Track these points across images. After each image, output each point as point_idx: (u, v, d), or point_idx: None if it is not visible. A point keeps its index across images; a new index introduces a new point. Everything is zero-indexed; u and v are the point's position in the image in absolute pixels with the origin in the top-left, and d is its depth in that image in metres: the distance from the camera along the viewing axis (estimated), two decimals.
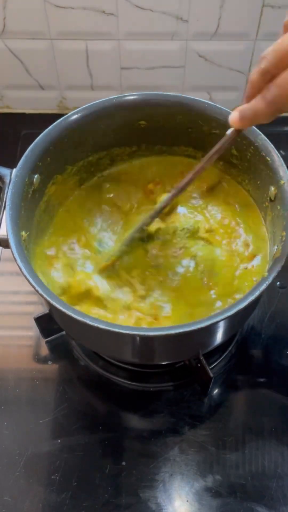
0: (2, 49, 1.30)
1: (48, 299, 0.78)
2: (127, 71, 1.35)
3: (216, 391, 1.03)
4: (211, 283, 0.96)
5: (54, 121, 0.97)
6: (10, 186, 0.88)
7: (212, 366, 1.05)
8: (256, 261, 0.98)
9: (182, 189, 0.88)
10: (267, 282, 0.79)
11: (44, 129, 0.95)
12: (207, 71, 1.34)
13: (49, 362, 1.07)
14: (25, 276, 0.80)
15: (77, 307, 0.89)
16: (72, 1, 1.20)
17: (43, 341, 1.09)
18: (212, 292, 0.95)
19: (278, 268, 0.80)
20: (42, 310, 1.05)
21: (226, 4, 1.20)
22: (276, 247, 0.87)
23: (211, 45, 1.28)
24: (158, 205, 0.95)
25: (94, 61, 1.33)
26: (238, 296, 0.93)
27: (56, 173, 1.01)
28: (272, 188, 0.92)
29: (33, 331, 1.08)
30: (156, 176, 1.09)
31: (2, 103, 1.45)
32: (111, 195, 1.07)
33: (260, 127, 0.95)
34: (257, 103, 0.69)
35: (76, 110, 0.98)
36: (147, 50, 1.30)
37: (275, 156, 0.91)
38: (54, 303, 0.78)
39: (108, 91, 1.39)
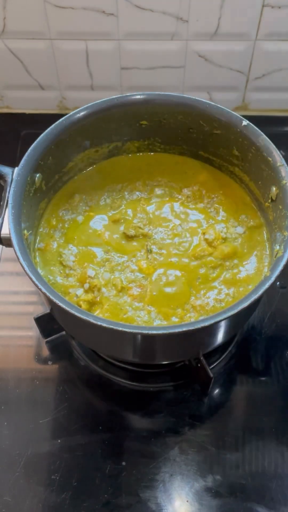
0: (2, 49, 1.30)
1: (51, 297, 0.78)
2: (127, 71, 1.35)
3: (216, 391, 1.04)
4: None
5: (54, 121, 0.97)
6: (12, 185, 0.88)
7: (212, 366, 1.05)
8: (252, 261, 0.99)
9: None
10: (270, 281, 0.79)
11: (44, 129, 0.96)
12: (207, 71, 1.34)
13: (49, 362, 1.07)
14: (28, 275, 0.80)
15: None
16: (72, 1, 1.20)
17: (43, 341, 1.09)
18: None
19: (280, 267, 0.80)
20: (42, 310, 1.04)
21: (226, 4, 1.20)
22: (278, 247, 0.87)
23: (211, 45, 1.28)
24: None
25: (94, 61, 1.33)
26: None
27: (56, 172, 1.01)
28: (274, 188, 0.93)
29: (33, 331, 1.08)
30: (158, 175, 1.09)
31: (2, 103, 1.44)
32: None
33: (261, 127, 0.96)
34: None
35: (78, 110, 0.98)
36: (147, 50, 1.30)
37: (277, 156, 0.92)
38: (56, 301, 0.78)
39: (108, 91, 1.39)
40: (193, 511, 0.91)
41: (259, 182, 0.99)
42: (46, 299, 0.89)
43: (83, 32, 1.26)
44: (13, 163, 0.94)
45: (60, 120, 0.97)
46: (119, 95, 1.00)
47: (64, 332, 1.08)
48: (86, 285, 0.94)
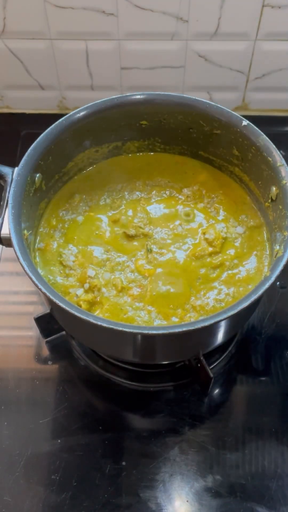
0: (2, 49, 1.30)
1: (51, 297, 0.78)
2: (127, 71, 1.35)
3: (216, 391, 1.04)
4: None
5: (54, 121, 0.97)
6: (12, 185, 0.88)
7: (212, 366, 1.05)
8: (252, 262, 0.98)
9: None
10: (270, 281, 0.79)
11: (44, 129, 0.96)
12: (207, 71, 1.34)
13: (49, 362, 1.07)
14: (28, 275, 0.80)
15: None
16: (72, 1, 1.20)
17: (43, 341, 1.09)
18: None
19: (280, 267, 0.80)
20: (42, 310, 1.04)
21: (226, 4, 1.20)
22: (278, 247, 0.87)
23: (211, 45, 1.28)
24: None
25: (94, 61, 1.32)
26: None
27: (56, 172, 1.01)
28: (274, 188, 0.93)
29: (33, 331, 1.08)
30: (158, 175, 1.09)
31: (2, 103, 1.44)
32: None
33: (261, 127, 0.96)
34: None
35: (78, 110, 0.98)
36: (147, 50, 1.30)
37: (277, 156, 0.92)
38: (56, 301, 0.78)
39: (108, 91, 1.39)
40: (193, 511, 0.91)
41: (259, 182, 0.99)
42: (46, 299, 0.89)
43: (83, 32, 1.26)
44: (13, 163, 0.94)
45: (60, 120, 0.97)
46: (119, 95, 1.00)
47: (64, 332, 1.08)
48: (86, 285, 0.94)
